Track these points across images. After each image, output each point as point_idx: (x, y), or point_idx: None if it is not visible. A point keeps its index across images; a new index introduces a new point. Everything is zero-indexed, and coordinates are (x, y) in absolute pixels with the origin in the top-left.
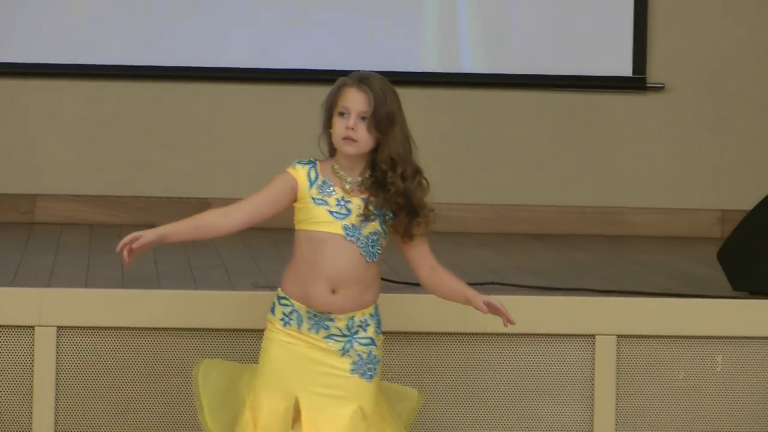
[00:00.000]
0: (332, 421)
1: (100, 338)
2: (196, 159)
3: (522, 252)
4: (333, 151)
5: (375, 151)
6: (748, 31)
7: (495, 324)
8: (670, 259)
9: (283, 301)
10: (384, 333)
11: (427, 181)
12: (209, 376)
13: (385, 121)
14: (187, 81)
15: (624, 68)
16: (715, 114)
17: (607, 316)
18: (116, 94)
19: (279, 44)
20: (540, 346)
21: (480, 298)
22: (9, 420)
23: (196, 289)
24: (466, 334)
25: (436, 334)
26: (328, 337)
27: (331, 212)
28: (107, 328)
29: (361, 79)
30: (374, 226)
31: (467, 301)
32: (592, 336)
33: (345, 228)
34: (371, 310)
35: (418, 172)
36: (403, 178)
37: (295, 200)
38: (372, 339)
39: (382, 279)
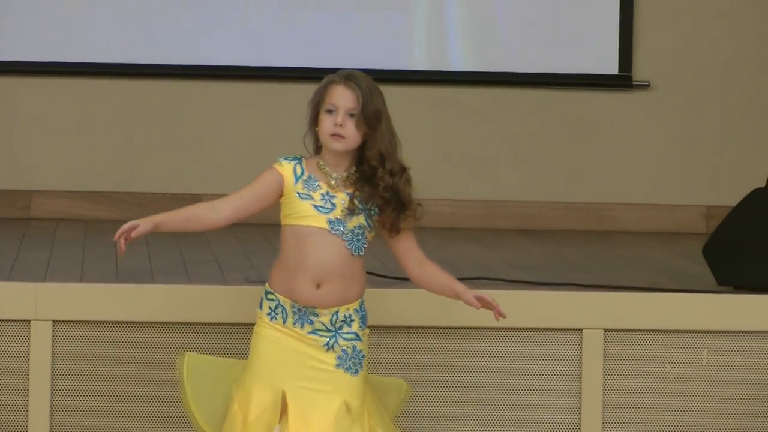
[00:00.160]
0: (318, 415)
1: (95, 332)
2: (189, 156)
3: (510, 247)
4: (318, 149)
5: (360, 148)
6: (733, 30)
7: (483, 318)
8: (656, 255)
9: (270, 296)
10: (373, 327)
11: (410, 177)
12: (195, 371)
13: (373, 117)
14: (180, 79)
15: (610, 66)
16: (701, 111)
17: (594, 310)
18: (111, 92)
19: (270, 43)
20: (528, 340)
21: (470, 293)
22: (5, 413)
23: (190, 283)
24: (455, 328)
25: (424, 328)
26: (313, 332)
27: (315, 206)
28: (102, 322)
29: (348, 76)
30: (359, 220)
31: (457, 296)
32: (580, 330)
33: (330, 222)
34: (356, 305)
35: (404, 168)
36: (392, 173)
37: (281, 195)
38: (356, 334)
39: (372, 274)
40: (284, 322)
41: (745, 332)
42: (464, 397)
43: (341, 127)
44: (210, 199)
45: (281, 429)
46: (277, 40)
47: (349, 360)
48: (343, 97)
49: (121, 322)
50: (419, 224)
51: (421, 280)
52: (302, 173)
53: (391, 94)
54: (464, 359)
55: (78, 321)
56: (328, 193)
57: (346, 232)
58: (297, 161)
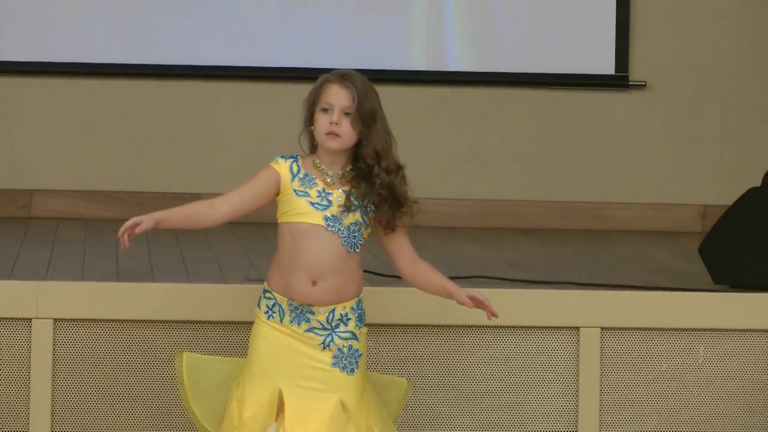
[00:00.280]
0: (313, 414)
1: (96, 330)
2: (189, 155)
3: (508, 246)
4: (314, 148)
5: (356, 146)
6: (730, 30)
7: (481, 316)
8: (652, 253)
9: (267, 295)
10: (371, 325)
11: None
12: (194, 370)
13: (368, 116)
14: (180, 79)
15: (607, 66)
16: (697, 111)
17: (592, 308)
18: (111, 91)
19: (269, 43)
20: (525, 339)
21: (463, 292)
22: (6, 411)
23: (189, 282)
24: (453, 326)
25: (422, 326)
26: (310, 330)
27: (312, 203)
28: (103, 320)
29: (343, 75)
30: (355, 216)
31: (450, 296)
32: (577, 328)
33: (326, 219)
34: (352, 304)
35: (399, 166)
36: (388, 171)
37: (278, 193)
38: (353, 333)
39: (370, 272)
40: (281, 321)
41: (741, 330)
42: (462, 395)
43: (337, 126)
44: (210, 197)
45: (277, 427)
46: (277, 40)
47: (345, 359)
48: (338, 96)
49: (122, 321)
50: (416, 222)
51: (413, 279)
52: (299, 171)
53: (390, 94)
54: (462, 357)
55: (79, 319)
56: (324, 190)
57: (342, 228)
58: (293, 159)
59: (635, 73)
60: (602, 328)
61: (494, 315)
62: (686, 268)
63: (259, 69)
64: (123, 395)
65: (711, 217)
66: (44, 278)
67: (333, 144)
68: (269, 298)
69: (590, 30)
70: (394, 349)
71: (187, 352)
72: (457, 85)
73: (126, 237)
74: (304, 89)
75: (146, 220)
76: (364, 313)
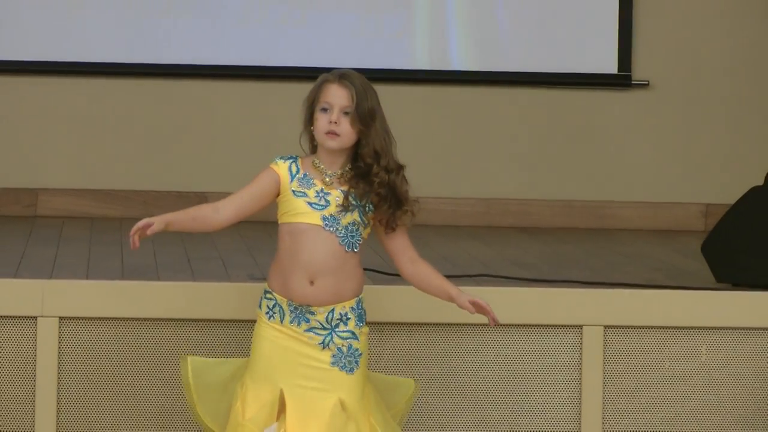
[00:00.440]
0: (313, 413)
1: (101, 328)
2: (194, 154)
3: (511, 245)
4: (314, 148)
5: (355, 146)
6: (732, 29)
7: (483, 316)
8: (655, 252)
9: (268, 295)
10: (374, 324)
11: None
12: (199, 373)
13: (367, 115)
14: (185, 78)
15: (610, 66)
16: (699, 110)
17: (594, 307)
18: (116, 91)
19: (273, 42)
20: (529, 337)
21: (465, 297)
22: (12, 408)
23: (194, 280)
24: (455, 324)
25: (424, 324)
26: (309, 330)
27: (310, 203)
28: (108, 318)
29: (341, 75)
30: (353, 216)
31: (450, 299)
32: (580, 326)
33: (323, 218)
34: (352, 303)
35: (399, 165)
36: (387, 170)
37: (278, 194)
38: (353, 332)
39: (372, 271)
40: (281, 321)
41: (743, 329)
42: (464, 394)
43: (336, 125)
44: (215, 196)
45: (278, 427)
46: (280, 40)
47: (345, 358)
48: (337, 96)
49: (127, 319)
50: (419, 221)
51: (413, 279)
52: (297, 171)
53: (393, 93)
54: (465, 356)
55: (84, 318)
56: (322, 190)
57: (339, 228)
58: (293, 160)
59: (638, 73)
60: (605, 327)
61: (496, 321)
62: (689, 266)
63: (262, 68)
64: (128, 393)
65: (713, 215)
66: (50, 277)
67: (332, 143)
68: (269, 299)
69: (593, 29)
70: (396, 347)
71: (191, 356)
72: (460, 85)
73: (137, 237)
74: (307, 88)
75: (157, 222)
76: (364, 312)
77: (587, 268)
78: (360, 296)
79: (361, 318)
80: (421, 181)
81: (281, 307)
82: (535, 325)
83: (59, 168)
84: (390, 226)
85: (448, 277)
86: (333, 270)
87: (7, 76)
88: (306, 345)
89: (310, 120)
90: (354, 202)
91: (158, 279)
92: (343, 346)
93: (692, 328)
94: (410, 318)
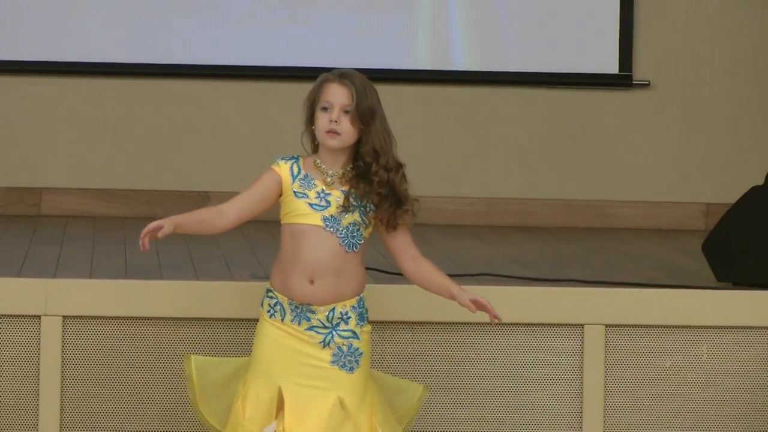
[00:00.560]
0: (312, 412)
1: (104, 327)
2: (197, 153)
3: (512, 244)
4: (316, 147)
5: (356, 145)
6: (732, 29)
7: (485, 314)
8: (655, 251)
9: (270, 294)
10: (375, 323)
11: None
12: (202, 371)
13: (367, 113)
14: (188, 78)
15: (610, 66)
16: (700, 110)
17: (595, 306)
18: (119, 91)
19: (275, 42)
20: (530, 336)
21: (465, 295)
22: (16, 407)
23: (197, 279)
24: (457, 323)
25: (426, 323)
26: (310, 329)
27: (310, 204)
28: (111, 317)
29: (341, 74)
30: (354, 217)
31: (452, 297)
32: (581, 325)
33: (324, 219)
34: (353, 302)
35: (399, 164)
36: (387, 169)
37: (281, 195)
38: (353, 332)
39: (374, 270)
40: (282, 319)
41: (744, 328)
42: (466, 392)
43: (336, 124)
44: (217, 195)
45: (277, 425)
46: (282, 40)
47: (345, 357)
48: (337, 95)
49: (130, 318)
50: (420, 220)
51: (416, 278)
52: (299, 172)
53: (394, 93)
54: (466, 354)
55: (87, 316)
56: (323, 191)
57: (340, 229)
58: (294, 160)
59: (639, 73)
60: (606, 326)
61: (497, 319)
62: (689, 265)
63: (264, 68)
64: (131, 391)
65: (714, 215)
66: (53, 276)
67: (333, 142)
68: (271, 297)
69: (594, 29)
70: (398, 346)
71: (194, 355)
72: (461, 85)
73: (147, 240)
74: (309, 88)
75: (167, 224)
76: (366, 311)
77: (588, 268)
78: (361, 295)
79: (362, 317)
80: (423, 180)
81: (282, 305)
82: (537, 324)
83: (63, 167)
84: (391, 225)
85: (449, 276)
86: (333, 270)
87: (10, 77)
88: (306, 344)
89: (311, 119)
90: (354, 203)
91: (161, 278)
92: (343, 345)
93: (693, 327)
94: (412, 317)
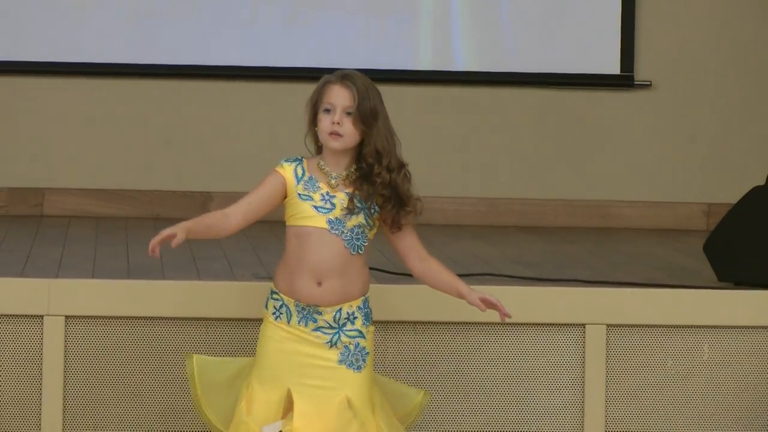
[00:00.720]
0: (320, 411)
1: (106, 327)
2: (199, 154)
3: (513, 244)
4: (319, 149)
5: (360, 146)
6: (733, 30)
7: (487, 313)
8: (657, 251)
9: (274, 296)
10: (377, 323)
11: (410, 173)
12: (204, 371)
13: (369, 114)
14: (191, 79)
15: (612, 66)
16: (701, 110)
17: (597, 306)
18: (122, 91)
19: (277, 43)
20: (532, 335)
21: (474, 294)
22: (18, 406)
23: (200, 279)
24: (459, 323)
25: (428, 323)
26: (317, 329)
27: (315, 207)
28: (114, 317)
29: (343, 76)
30: (359, 219)
31: (461, 296)
32: (583, 325)
33: (329, 222)
34: (359, 302)
35: (402, 164)
36: (389, 170)
37: (286, 197)
38: (360, 331)
39: (377, 270)
40: (288, 322)
41: (745, 327)
42: (468, 392)
43: (339, 125)
44: (220, 196)
45: (284, 425)
46: (285, 41)
47: (352, 356)
48: (339, 96)
49: (132, 318)
50: (422, 220)
51: (424, 277)
52: (303, 174)
53: (397, 93)
54: (468, 354)
55: (90, 316)
56: (327, 193)
57: (345, 231)
58: (298, 162)
59: (640, 73)
60: (608, 325)
61: (507, 316)
62: (691, 265)
63: (267, 69)
64: (134, 391)
65: (715, 215)
66: (56, 276)
67: (336, 144)
68: (276, 299)
69: (595, 30)
70: (400, 346)
71: (196, 354)
72: (463, 85)
73: (158, 248)
74: (312, 89)
75: (180, 232)
76: (370, 311)
77: (590, 267)
78: (366, 295)
79: (367, 317)
80: (424, 180)
81: (288, 307)
82: (538, 324)
83: (65, 168)
84: (396, 226)
85: None
86: (339, 272)
87: (13, 77)
88: (313, 344)
89: (313, 121)
90: (359, 205)
91: (164, 278)
92: (350, 344)
93: (694, 326)
94: (414, 316)
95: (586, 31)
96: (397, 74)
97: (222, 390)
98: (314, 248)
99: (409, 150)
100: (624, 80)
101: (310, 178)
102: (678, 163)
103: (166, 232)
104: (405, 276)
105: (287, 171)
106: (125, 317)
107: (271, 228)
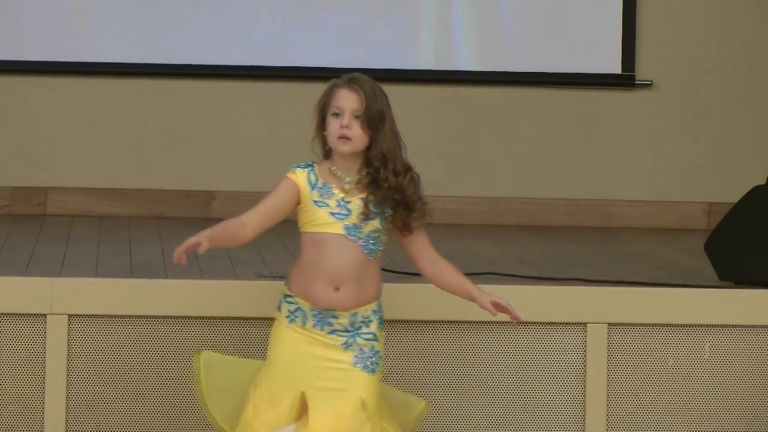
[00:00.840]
0: (334, 413)
1: (109, 326)
2: (201, 153)
3: (515, 243)
4: (327, 153)
5: (368, 149)
6: (734, 29)
7: (488, 313)
8: (658, 250)
9: (289, 299)
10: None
11: (417, 175)
12: (211, 369)
13: (376, 118)
14: (192, 78)
15: (613, 66)
16: (702, 110)
17: (598, 305)
18: (125, 91)
19: (280, 43)
20: (534, 334)
21: (486, 298)
22: (21, 405)
23: (202, 278)
24: (460, 322)
25: (431, 322)
26: (332, 332)
27: (331, 213)
28: (116, 316)
29: (351, 80)
30: (374, 224)
31: (472, 299)
32: (584, 324)
33: (346, 228)
34: (374, 306)
35: (408, 168)
36: (395, 173)
37: (299, 203)
38: (374, 334)
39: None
40: (303, 325)
41: (746, 326)
42: (469, 391)
43: (347, 129)
44: (222, 195)
45: (299, 427)
46: (287, 40)
47: (367, 359)
48: (347, 100)
49: (135, 317)
50: (429, 221)
51: (434, 279)
52: (316, 181)
53: (398, 93)
54: (470, 353)
55: (93, 315)
56: (343, 199)
57: (362, 236)
58: (310, 168)
59: (641, 73)
60: (609, 324)
61: (519, 320)
62: (692, 264)
63: (269, 68)
64: (137, 390)
65: (716, 214)
66: (59, 275)
67: (345, 147)
68: (291, 303)
69: (597, 29)
70: (400, 345)
71: (205, 351)
72: (464, 84)
73: (184, 255)
74: (314, 88)
75: (204, 241)
76: (383, 315)
77: (591, 267)
78: (380, 299)
79: (381, 320)
80: (426, 179)
81: (304, 311)
82: (540, 323)
83: (68, 167)
84: (406, 229)
85: None
86: (356, 277)
87: (16, 76)
88: (327, 347)
89: (322, 125)
90: (374, 210)
91: (166, 277)
92: (365, 347)
93: (695, 325)
94: (415, 316)
95: (587, 31)
96: (398, 74)
97: (229, 391)
98: (331, 254)
99: (410, 149)
100: (625, 80)
101: (324, 184)
102: (679, 163)
103: (191, 241)
104: (404, 275)
105: (300, 177)
106: (128, 316)
107: (274, 227)
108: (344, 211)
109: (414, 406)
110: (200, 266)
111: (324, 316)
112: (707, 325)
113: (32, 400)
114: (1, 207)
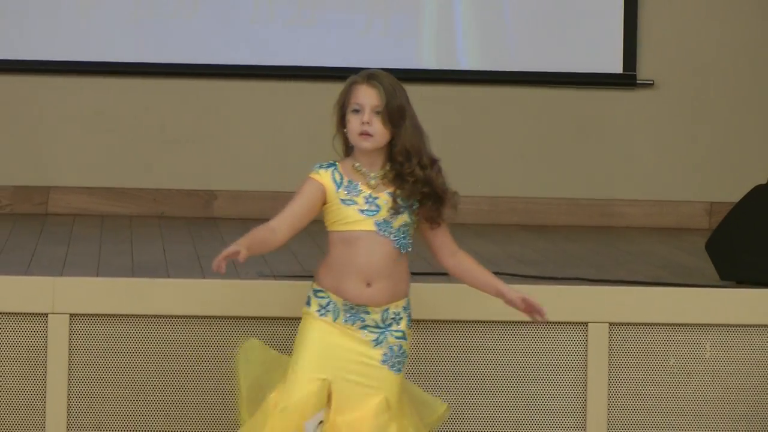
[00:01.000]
0: (358, 409)
1: (111, 325)
2: (203, 153)
3: (516, 242)
4: (348, 150)
5: (391, 144)
6: (735, 29)
7: (489, 311)
8: (659, 250)
9: (320, 294)
10: None
11: (441, 168)
12: (249, 360)
13: (396, 113)
14: (194, 78)
15: (615, 65)
16: (703, 109)
17: (599, 304)
18: (127, 90)
19: (281, 42)
20: (535, 334)
21: (515, 293)
22: (23, 404)
23: (204, 278)
24: (461, 321)
25: (431, 321)
26: (363, 327)
27: (361, 211)
28: (118, 315)
29: (369, 75)
30: (404, 218)
31: (499, 295)
32: (585, 323)
33: (377, 224)
34: (404, 302)
35: (434, 160)
36: (422, 167)
37: (325, 203)
38: (404, 333)
39: None
40: (335, 319)
41: (747, 326)
42: (471, 390)
43: (368, 125)
44: (224, 194)
45: (325, 414)
46: (289, 40)
47: (395, 357)
48: (367, 96)
49: (137, 316)
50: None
51: (456, 272)
52: (341, 179)
53: None
54: (471, 352)
55: (94, 314)
56: (370, 195)
57: (392, 231)
58: (333, 167)
59: (643, 72)
60: (610, 324)
61: (544, 317)
62: (693, 264)
63: (271, 68)
64: (138, 389)
65: (718, 214)
66: (60, 274)
67: (366, 144)
68: (322, 297)
69: (598, 29)
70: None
71: (249, 342)
72: (466, 84)
73: (224, 264)
74: (316, 88)
75: (242, 249)
76: (411, 312)
77: (592, 266)
78: (408, 296)
79: (410, 318)
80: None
81: (336, 305)
82: (541, 322)
83: (70, 166)
84: (435, 222)
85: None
86: (388, 273)
87: (18, 75)
88: (358, 341)
89: (342, 122)
90: (403, 204)
91: (168, 276)
92: (394, 346)
93: (697, 325)
94: (416, 315)
95: (588, 31)
96: (399, 73)
97: (258, 382)
98: (363, 251)
99: None
100: (626, 79)
101: (350, 182)
102: (680, 162)
103: (230, 250)
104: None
105: (324, 177)
106: (129, 315)
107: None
108: (373, 207)
109: (436, 408)
110: (201, 266)
111: (356, 311)
112: (708, 325)
113: (34, 399)
114: (3, 206)
